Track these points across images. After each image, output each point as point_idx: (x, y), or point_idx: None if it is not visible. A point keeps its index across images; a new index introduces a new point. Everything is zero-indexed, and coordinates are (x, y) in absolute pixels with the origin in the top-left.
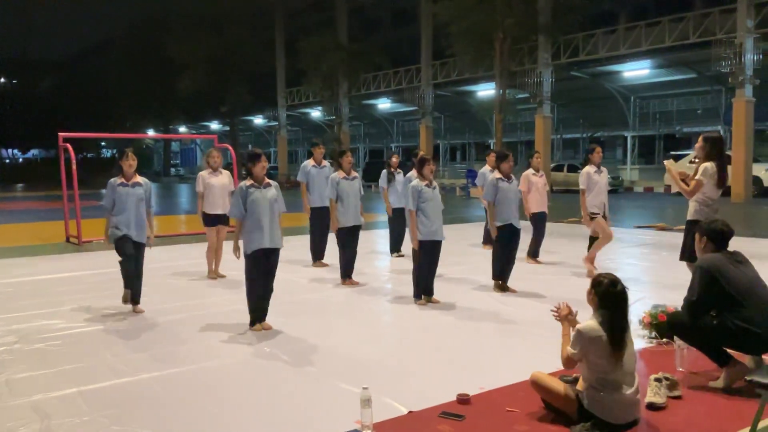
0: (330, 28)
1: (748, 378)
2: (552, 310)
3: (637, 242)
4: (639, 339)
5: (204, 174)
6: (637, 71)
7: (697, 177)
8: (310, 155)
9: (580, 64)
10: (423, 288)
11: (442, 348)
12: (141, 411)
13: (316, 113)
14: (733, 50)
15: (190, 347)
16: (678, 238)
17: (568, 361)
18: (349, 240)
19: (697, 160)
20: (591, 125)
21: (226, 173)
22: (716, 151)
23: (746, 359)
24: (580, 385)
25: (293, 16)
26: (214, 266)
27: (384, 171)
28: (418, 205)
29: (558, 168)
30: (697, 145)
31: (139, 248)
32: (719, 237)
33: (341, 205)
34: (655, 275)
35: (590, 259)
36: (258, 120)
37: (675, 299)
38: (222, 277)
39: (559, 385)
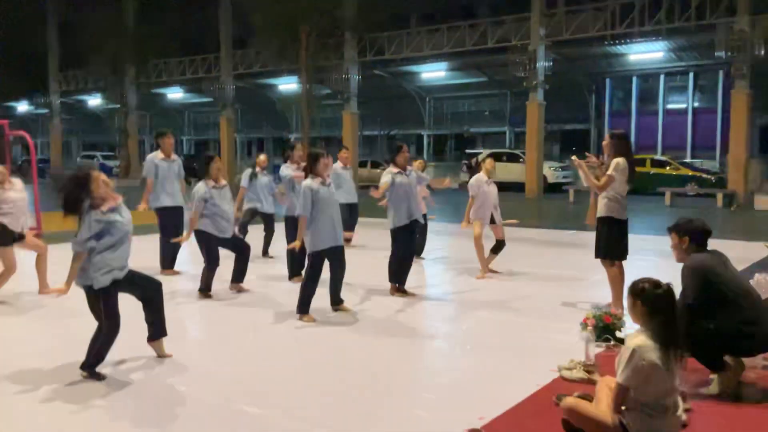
0: (114, 7)
1: None
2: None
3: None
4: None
5: None
6: (434, 73)
7: (608, 172)
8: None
9: (383, 63)
10: (332, 296)
11: (377, 373)
12: None
13: (95, 101)
14: (527, 56)
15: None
16: (538, 234)
17: (622, 397)
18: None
19: (588, 157)
20: (389, 123)
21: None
22: (624, 147)
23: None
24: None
25: None
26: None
27: (248, 169)
28: (311, 209)
29: (363, 164)
30: (605, 143)
31: None
32: (701, 236)
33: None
34: (551, 272)
35: (485, 267)
36: (22, 107)
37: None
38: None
39: (601, 413)
